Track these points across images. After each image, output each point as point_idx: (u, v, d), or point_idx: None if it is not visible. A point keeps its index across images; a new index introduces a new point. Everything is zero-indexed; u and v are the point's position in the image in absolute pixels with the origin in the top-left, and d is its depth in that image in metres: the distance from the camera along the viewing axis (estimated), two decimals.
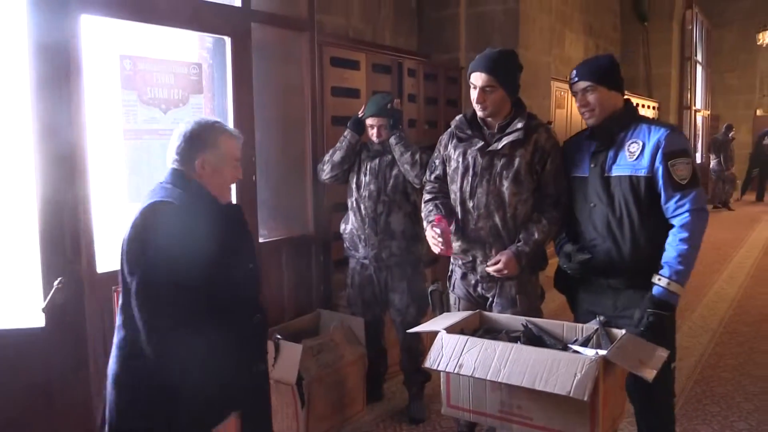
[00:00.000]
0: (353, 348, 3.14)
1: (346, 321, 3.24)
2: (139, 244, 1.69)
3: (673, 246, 2.19)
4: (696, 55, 12.12)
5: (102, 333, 2.43)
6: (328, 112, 3.86)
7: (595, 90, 2.28)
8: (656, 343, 2.15)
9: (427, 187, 2.73)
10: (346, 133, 3.17)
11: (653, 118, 2.45)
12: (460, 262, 2.62)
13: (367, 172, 3.13)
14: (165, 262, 1.66)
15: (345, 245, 3.28)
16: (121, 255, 1.75)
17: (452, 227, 2.54)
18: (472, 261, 2.56)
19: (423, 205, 2.71)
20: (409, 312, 3.14)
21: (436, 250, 2.50)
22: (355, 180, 3.17)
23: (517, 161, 2.46)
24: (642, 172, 2.22)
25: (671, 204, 2.20)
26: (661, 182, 2.20)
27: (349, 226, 3.21)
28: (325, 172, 3.22)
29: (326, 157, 3.24)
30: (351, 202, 3.20)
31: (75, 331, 2.33)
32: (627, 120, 2.31)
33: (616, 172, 2.27)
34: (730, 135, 12.16)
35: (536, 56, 5.64)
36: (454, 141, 2.60)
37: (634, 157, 2.24)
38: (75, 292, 2.30)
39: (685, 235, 2.18)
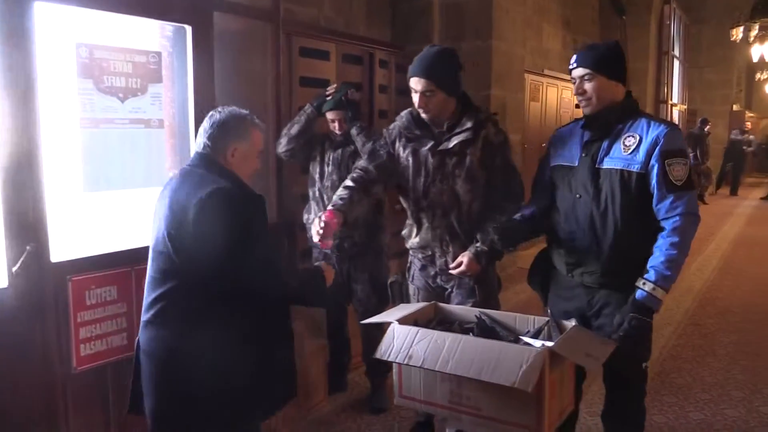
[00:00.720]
0: (315, 338, 3.15)
1: (308, 311, 3.25)
2: (221, 223, 1.76)
3: (662, 250, 2.09)
4: (673, 50, 12.21)
5: (55, 325, 2.41)
6: (296, 102, 3.85)
7: (594, 78, 2.15)
8: (635, 347, 2.15)
9: (354, 174, 2.57)
10: (306, 108, 3.17)
11: (653, 115, 2.35)
12: (419, 255, 2.64)
13: (330, 162, 3.14)
14: (243, 241, 1.78)
15: (308, 235, 3.29)
16: (182, 243, 1.80)
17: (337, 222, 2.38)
18: (431, 255, 2.59)
19: (342, 186, 2.53)
20: (371, 302, 3.16)
21: (315, 238, 2.36)
22: (318, 170, 3.18)
23: (468, 159, 2.45)
24: (635, 168, 2.11)
25: (664, 205, 2.10)
26: (655, 181, 2.09)
27: (312, 215, 3.22)
28: (281, 145, 3.21)
29: (284, 131, 3.23)
30: (313, 191, 3.21)
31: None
32: (627, 112, 2.20)
33: (607, 164, 2.16)
34: (705, 129, 12.31)
35: (510, 48, 5.65)
36: (403, 140, 2.56)
37: (629, 150, 2.13)
38: (29, 280, 2.28)
39: (675, 239, 2.08)
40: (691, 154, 11.92)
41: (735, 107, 15.97)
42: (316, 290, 2.07)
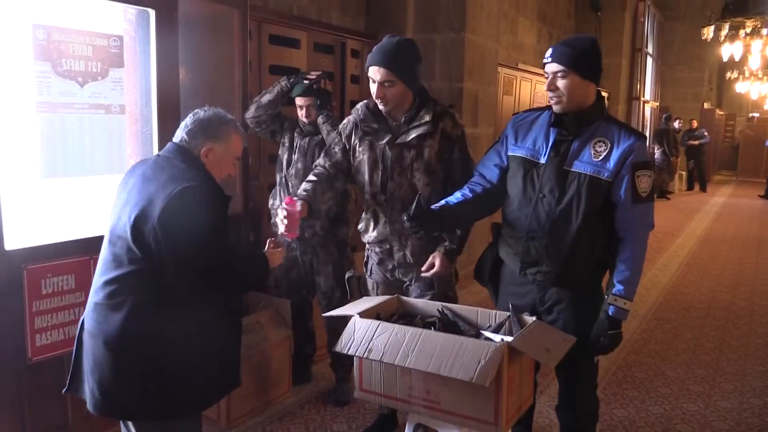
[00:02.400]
0: (278, 330, 3.13)
1: (272, 302, 3.22)
2: (186, 224, 1.77)
3: (626, 264, 2.13)
4: (647, 47, 12.36)
5: (9, 315, 2.35)
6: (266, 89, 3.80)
7: (567, 76, 2.08)
8: (599, 352, 2.24)
9: (316, 170, 2.57)
10: (282, 80, 3.12)
11: (622, 122, 2.33)
12: (377, 249, 2.62)
13: (297, 150, 3.11)
14: (207, 241, 1.81)
15: (272, 221, 3.27)
16: (141, 234, 1.78)
17: (299, 211, 2.33)
18: (389, 248, 2.57)
19: (306, 180, 2.55)
20: (334, 295, 3.14)
21: (280, 229, 2.35)
22: (285, 157, 3.16)
23: (426, 152, 2.43)
24: (605, 175, 2.09)
25: (627, 215, 2.12)
26: (622, 191, 2.10)
27: (276, 201, 3.20)
28: (250, 112, 3.16)
29: (255, 98, 3.19)
30: (279, 177, 3.19)
31: None
32: (595, 115, 2.16)
33: (577, 167, 2.12)
34: (670, 124, 12.48)
35: (483, 41, 5.65)
36: (359, 133, 2.52)
37: (600, 157, 2.10)
38: None
39: (638, 251, 2.15)
40: (658, 150, 12.21)
41: (706, 105, 16.21)
42: (257, 272, 2.10)
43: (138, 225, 1.79)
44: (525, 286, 2.30)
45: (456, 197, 2.29)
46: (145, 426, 1.93)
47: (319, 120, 3.04)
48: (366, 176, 2.50)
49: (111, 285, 1.84)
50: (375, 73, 2.34)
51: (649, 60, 12.83)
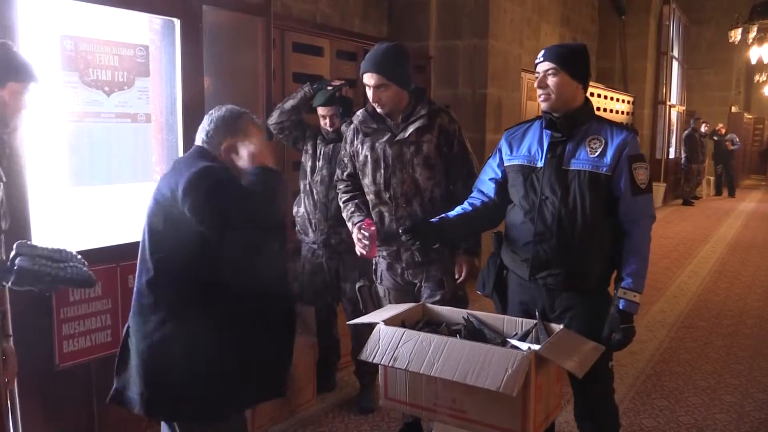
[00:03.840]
0: (303, 337, 3.12)
1: (299, 311, 3.22)
2: (216, 200, 1.74)
3: (634, 256, 2.16)
4: (672, 51, 12.19)
5: (38, 322, 2.38)
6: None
7: (557, 74, 2.16)
8: (614, 349, 2.21)
9: (341, 186, 2.75)
10: (305, 86, 3.15)
11: (610, 120, 2.37)
12: (384, 254, 2.64)
13: (321, 157, 3.12)
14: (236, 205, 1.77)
15: (296, 228, 3.28)
16: (167, 225, 1.79)
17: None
18: (396, 250, 2.62)
19: (342, 204, 2.74)
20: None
21: (360, 252, 2.56)
22: (309, 164, 3.16)
23: (425, 146, 2.52)
24: (603, 170, 2.14)
25: (630, 208, 2.16)
26: (622, 185, 2.14)
27: (301, 209, 3.21)
28: (273, 118, 3.18)
29: (278, 104, 3.21)
30: (304, 185, 3.20)
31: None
32: (586, 115, 2.24)
33: (575, 165, 2.17)
34: (697, 126, 12.30)
35: (506, 47, 5.62)
36: (360, 136, 2.63)
37: (596, 153, 2.16)
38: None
39: (642, 243, 2.17)
40: (684, 156, 12.02)
41: (734, 109, 15.95)
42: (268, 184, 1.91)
43: (155, 222, 1.81)
44: (534, 292, 2.29)
45: (456, 211, 2.37)
46: (189, 428, 1.93)
47: (343, 128, 3.04)
48: (369, 176, 2.60)
49: (149, 286, 1.85)
50: (369, 78, 2.47)
51: (675, 64, 12.64)
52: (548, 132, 2.24)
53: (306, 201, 3.17)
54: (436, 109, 2.57)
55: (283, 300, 2.02)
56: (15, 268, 1.73)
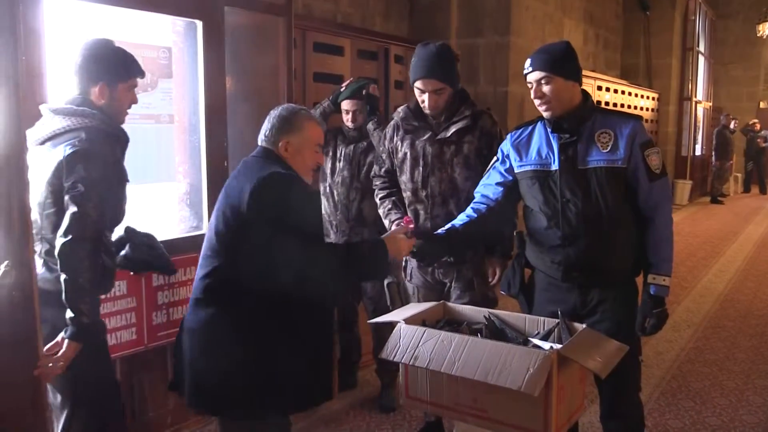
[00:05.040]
0: None
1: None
2: (278, 201, 1.80)
3: (661, 240, 2.18)
4: (698, 46, 11.99)
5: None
6: (310, 97, 3.84)
7: (551, 81, 2.13)
8: (649, 333, 2.23)
9: (378, 183, 2.78)
10: (324, 102, 3.18)
11: (612, 109, 2.40)
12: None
13: (342, 158, 3.12)
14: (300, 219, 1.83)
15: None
16: (232, 226, 1.83)
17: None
18: None
19: (379, 200, 2.76)
20: (381, 300, 3.12)
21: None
22: (329, 165, 3.16)
23: (466, 147, 2.53)
24: (619, 163, 2.15)
25: (649, 194, 2.17)
26: (638, 173, 2.15)
27: (322, 211, 3.21)
28: None
29: None
30: (324, 187, 3.20)
31: (22, 314, 2.30)
32: (588, 110, 2.22)
33: (590, 164, 2.17)
34: (727, 123, 12.08)
35: (528, 44, 5.57)
36: (401, 132, 2.64)
37: (608, 148, 2.16)
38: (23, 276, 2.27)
39: (666, 227, 2.19)
40: (714, 153, 11.80)
41: (762, 104, 15.61)
42: (374, 262, 2.01)
43: (228, 215, 1.85)
44: (564, 291, 2.28)
45: (461, 219, 2.36)
46: (234, 426, 1.96)
47: (369, 126, 3.05)
48: (407, 173, 2.61)
49: (204, 280, 1.89)
50: (425, 84, 2.46)
51: (701, 59, 12.43)
52: (555, 135, 2.22)
53: (327, 203, 3.18)
54: (479, 111, 2.58)
55: (326, 305, 2.06)
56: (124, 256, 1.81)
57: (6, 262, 2.02)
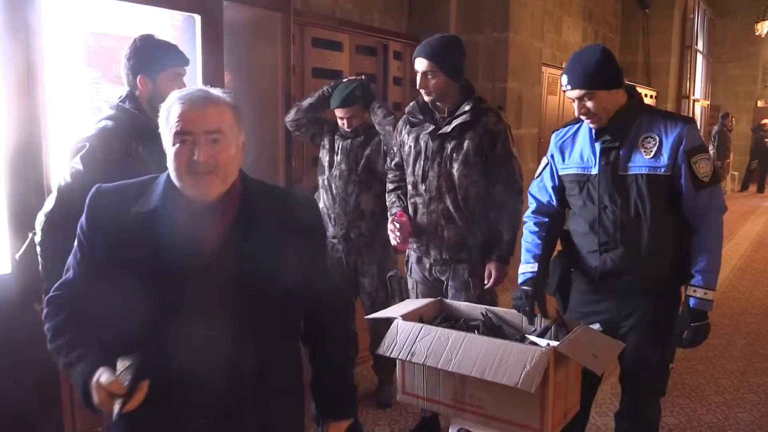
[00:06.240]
0: None
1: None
2: None
3: (703, 252, 2.08)
4: (697, 44, 12.00)
5: None
6: (308, 93, 3.81)
7: (593, 96, 2.02)
8: (686, 347, 2.19)
9: (390, 176, 2.81)
10: (324, 87, 3.13)
11: (664, 110, 2.29)
12: (414, 246, 2.65)
13: (339, 152, 3.11)
14: None
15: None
16: None
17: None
18: (425, 244, 2.62)
19: (387, 194, 2.80)
20: (378, 295, 3.13)
21: (393, 242, 2.62)
22: (327, 158, 3.15)
23: (466, 144, 2.51)
24: (661, 171, 2.04)
25: (695, 203, 2.07)
26: (683, 181, 2.04)
27: (320, 204, 3.20)
28: (290, 115, 3.17)
29: (296, 103, 3.21)
30: (322, 180, 3.19)
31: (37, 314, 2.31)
32: (634, 112, 2.11)
33: (632, 170, 2.07)
34: (727, 123, 12.10)
35: (527, 40, 5.57)
36: (408, 126, 2.65)
37: (651, 154, 2.05)
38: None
39: (712, 239, 2.09)
40: (712, 152, 11.83)
41: (759, 103, 15.64)
42: None
43: None
44: (601, 294, 2.23)
45: (541, 247, 2.29)
46: None
47: (374, 105, 3.01)
48: (410, 166, 2.63)
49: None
50: (418, 64, 2.49)
51: (700, 57, 12.45)
52: (599, 138, 2.13)
53: (325, 196, 3.17)
54: (484, 108, 2.55)
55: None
56: None
57: (33, 231, 2.04)
